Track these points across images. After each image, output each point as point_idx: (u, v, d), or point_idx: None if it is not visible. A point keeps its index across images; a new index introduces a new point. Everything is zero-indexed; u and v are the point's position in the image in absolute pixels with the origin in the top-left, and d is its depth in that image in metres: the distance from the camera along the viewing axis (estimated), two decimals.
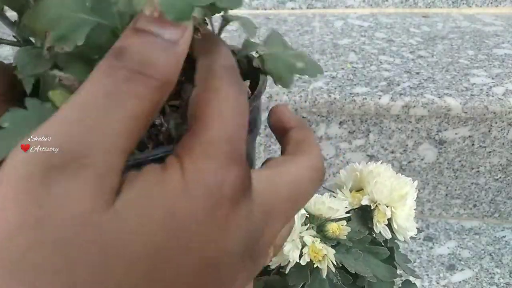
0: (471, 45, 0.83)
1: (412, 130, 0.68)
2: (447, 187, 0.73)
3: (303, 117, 0.68)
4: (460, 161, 0.70)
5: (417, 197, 0.74)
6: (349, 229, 0.36)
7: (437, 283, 0.65)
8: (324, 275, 0.35)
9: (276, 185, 0.19)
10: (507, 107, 0.63)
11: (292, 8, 1.07)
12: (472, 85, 0.68)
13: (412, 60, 0.78)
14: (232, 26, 0.97)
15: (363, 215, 0.41)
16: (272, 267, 0.37)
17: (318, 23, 0.98)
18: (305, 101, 0.66)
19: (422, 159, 0.70)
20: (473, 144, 0.68)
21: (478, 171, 0.71)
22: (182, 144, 0.17)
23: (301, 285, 0.36)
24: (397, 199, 0.40)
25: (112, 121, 0.15)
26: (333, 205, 0.37)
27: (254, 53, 0.28)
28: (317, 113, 0.68)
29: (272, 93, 0.67)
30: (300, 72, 0.28)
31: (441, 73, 0.72)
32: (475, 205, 0.75)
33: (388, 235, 0.39)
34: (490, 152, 0.68)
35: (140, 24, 0.17)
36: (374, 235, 0.40)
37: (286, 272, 0.35)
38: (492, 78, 0.70)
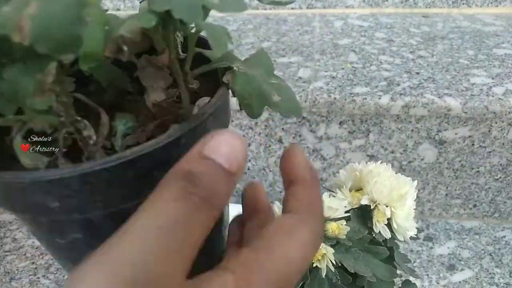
0: (471, 45, 0.83)
1: (412, 130, 0.68)
2: (447, 187, 0.73)
3: (303, 117, 0.68)
4: (460, 161, 0.70)
5: (417, 197, 0.74)
6: (348, 228, 0.36)
7: (437, 283, 0.65)
8: (323, 274, 0.35)
9: (290, 257, 0.20)
10: (507, 107, 0.63)
11: (292, 8, 1.07)
12: (472, 85, 0.68)
13: (412, 60, 0.78)
14: (232, 26, 0.97)
15: (363, 214, 0.41)
16: None
17: (318, 23, 0.98)
18: (305, 101, 0.66)
19: (422, 159, 0.70)
20: (473, 144, 0.68)
21: (478, 171, 0.71)
22: (243, 263, 0.19)
23: (300, 284, 0.36)
24: (397, 199, 0.40)
25: (183, 249, 0.17)
26: (332, 205, 0.37)
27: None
28: (317, 113, 0.68)
29: None
30: (273, 107, 0.26)
31: (441, 73, 0.72)
32: (475, 205, 0.75)
33: (387, 234, 0.39)
34: (490, 152, 0.68)
35: (207, 152, 0.18)
36: (373, 235, 0.40)
37: None
38: (492, 78, 0.70)
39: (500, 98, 0.64)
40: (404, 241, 0.41)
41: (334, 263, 0.35)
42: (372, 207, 0.40)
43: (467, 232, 0.74)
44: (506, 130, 0.66)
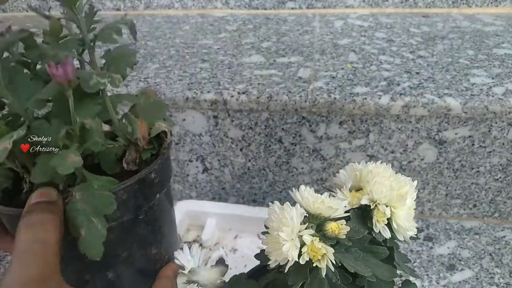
0: (471, 45, 0.83)
1: (412, 130, 0.68)
2: (447, 187, 0.73)
3: (303, 117, 0.68)
4: (460, 161, 0.70)
5: (417, 197, 0.74)
6: (348, 228, 0.36)
7: (437, 283, 0.65)
8: (323, 274, 0.35)
9: None
10: (507, 107, 0.63)
11: (292, 8, 1.07)
12: (472, 85, 0.68)
13: (412, 60, 0.78)
14: (232, 26, 0.97)
15: (363, 214, 0.41)
16: (272, 266, 0.37)
17: (318, 23, 0.98)
18: (305, 101, 0.66)
19: (422, 159, 0.70)
20: (473, 144, 0.68)
21: (478, 171, 0.71)
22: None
23: (300, 284, 0.36)
24: (397, 199, 0.39)
25: None
26: (332, 205, 0.37)
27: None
28: (317, 113, 0.68)
29: (272, 93, 0.67)
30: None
31: (441, 73, 0.72)
32: (475, 205, 0.75)
33: (387, 234, 0.39)
34: (490, 152, 0.68)
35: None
36: (373, 235, 0.40)
37: (285, 271, 0.35)
38: (492, 78, 0.70)
39: (500, 98, 0.64)
40: (404, 241, 0.41)
41: (334, 263, 0.35)
42: (372, 207, 0.40)
43: (467, 232, 0.74)
44: (506, 130, 0.66)
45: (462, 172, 0.71)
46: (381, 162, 0.42)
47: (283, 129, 0.70)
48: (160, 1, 1.11)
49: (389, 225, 0.40)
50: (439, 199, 0.75)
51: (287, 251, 0.34)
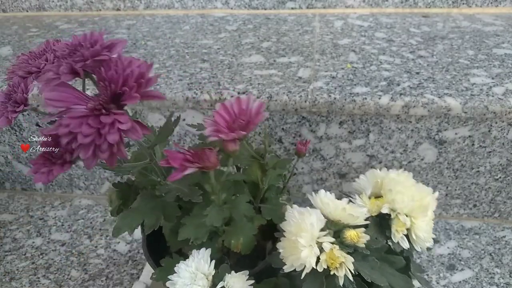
0: (471, 45, 0.83)
1: (412, 130, 0.68)
2: (447, 187, 0.73)
3: (303, 117, 0.68)
4: (460, 161, 0.70)
5: None
6: (368, 237, 0.35)
7: (437, 283, 0.65)
8: (341, 282, 0.34)
9: None
10: (507, 107, 0.63)
11: (292, 8, 1.07)
12: (472, 85, 0.68)
13: (412, 60, 0.78)
14: (232, 26, 0.97)
15: (381, 223, 0.40)
16: (287, 271, 0.36)
17: (318, 23, 0.98)
18: (305, 101, 0.66)
19: (422, 159, 0.70)
20: (473, 144, 0.68)
21: (478, 171, 0.71)
22: None
23: None
24: (418, 210, 0.39)
25: None
26: (353, 212, 0.36)
27: None
28: (317, 113, 0.68)
29: (272, 93, 0.67)
30: None
31: (441, 73, 0.72)
32: (475, 205, 0.75)
33: (406, 245, 0.39)
34: (490, 152, 0.68)
35: None
36: (390, 244, 0.39)
37: (302, 277, 0.34)
38: (492, 78, 0.70)
39: (500, 98, 0.64)
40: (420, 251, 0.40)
41: (353, 272, 0.34)
42: (392, 216, 0.39)
43: (467, 232, 0.74)
44: (506, 130, 0.66)
45: (462, 172, 0.71)
46: (403, 170, 0.41)
47: (283, 129, 0.70)
48: (160, 1, 1.10)
49: (407, 235, 0.39)
50: (439, 199, 0.75)
51: (305, 258, 0.34)
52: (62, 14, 1.14)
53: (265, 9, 1.07)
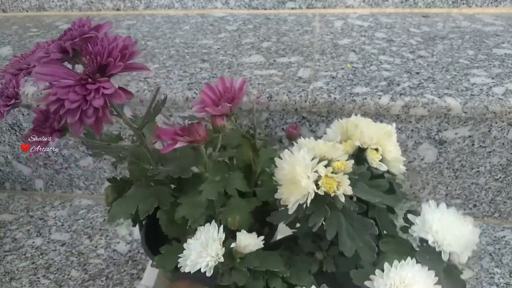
0: (471, 45, 0.83)
1: (412, 130, 0.68)
2: (447, 187, 0.73)
3: (303, 117, 0.68)
4: (460, 161, 0.70)
5: (417, 197, 0.74)
6: (352, 162, 0.39)
7: None
8: (343, 199, 0.37)
9: None
10: (507, 107, 0.63)
11: (292, 8, 1.07)
12: (472, 85, 0.68)
13: (412, 60, 0.78)
14: (232, 26, 0.97)
15: (358, 160, 0.44)
16: (292, 209, 0.38)
17: (318, 23, 0.98)
18: (305, 101, 0.66)
19: (422, 159, 0.70)
20: (473, 144, 0.68)
21: (478, 171, 0.71)
22: None
23: (321, 221, 0.38)
24: (384, 137, 0.45)
25: None
26: (334, 145, 0.40)
27: None
28: (317, 113, 0.68)
29: (272, 93, 0.67)
30: None
31: (441, 73, 0.72)
32: (475, 205, 0.75)
33: (384, 168, 0.43)
34: (490, 152, 0.68)
35: None
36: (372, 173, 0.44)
37: (308, 204, 0.37)
38: (492, 78, 0.70)
39: (500, 98, 0.64)
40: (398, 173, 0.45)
41: (350, 190, 0.37)
42: (365, 148, 0.44)
43: None
44: (506, 130, 0.66)
45: (462, 172, 0.71)
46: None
47: (283, 129, 0.70)
48: (160, 1, 1.11)
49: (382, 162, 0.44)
50: (439, 199, 0.75)
51: (306, 185, 0.37)
52: (62, 14, 1.14)
53: (265, 9, 1.07)
